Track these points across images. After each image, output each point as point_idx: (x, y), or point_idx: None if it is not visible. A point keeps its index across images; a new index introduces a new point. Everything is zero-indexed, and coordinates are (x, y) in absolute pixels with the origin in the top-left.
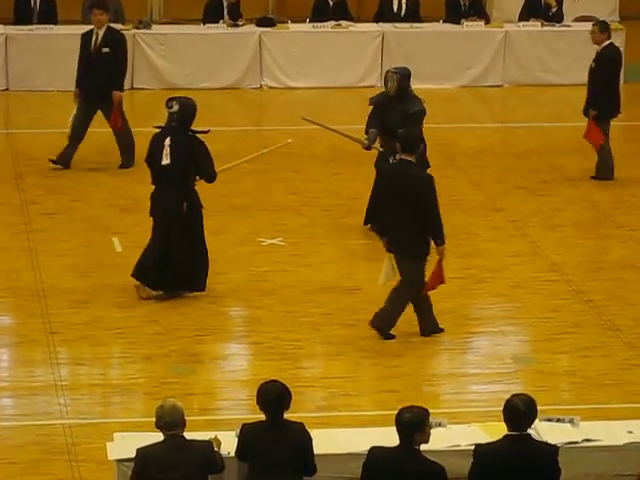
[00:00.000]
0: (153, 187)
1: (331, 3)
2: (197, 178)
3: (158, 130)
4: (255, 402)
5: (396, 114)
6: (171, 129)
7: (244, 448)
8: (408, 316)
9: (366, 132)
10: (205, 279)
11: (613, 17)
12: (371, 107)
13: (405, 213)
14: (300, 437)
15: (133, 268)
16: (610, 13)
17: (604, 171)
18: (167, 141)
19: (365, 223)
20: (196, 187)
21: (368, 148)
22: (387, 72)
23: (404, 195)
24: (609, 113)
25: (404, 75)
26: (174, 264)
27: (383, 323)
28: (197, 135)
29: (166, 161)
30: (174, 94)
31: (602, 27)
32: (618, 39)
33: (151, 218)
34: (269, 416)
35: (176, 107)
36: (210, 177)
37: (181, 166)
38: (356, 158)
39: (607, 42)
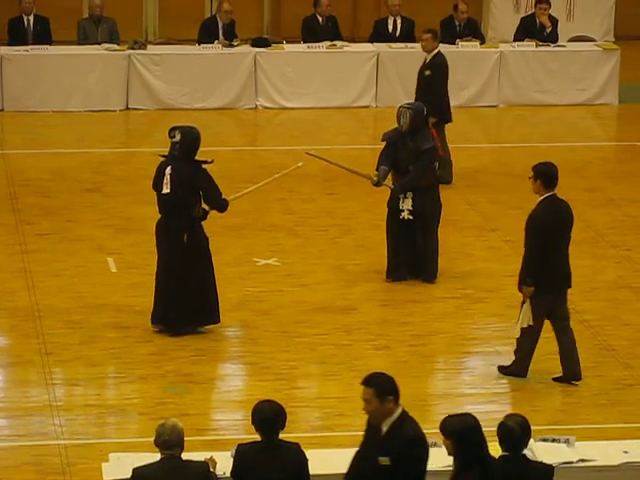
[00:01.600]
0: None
1: (320, 19)
2: (207, 209)
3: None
4: (250, 422)
5: (408, 151)
6: (173, 158)
7: (239, 469)
8: (402, 335)
9: (377, 169)
10: (217, 310)
11: (608, 37)
12: (384, 143)
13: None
14: (296, 458)
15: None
16: (605, 33)
17: (444, 176)
18: (168, 170)
19: (392, 279)
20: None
21: (377, 184)
22: (400, 107)
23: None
24: (445, 119)
25: (418, 111)
26: (178, 298)
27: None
28: (202, 165)
29: (166, 190)
30: (169, 114)
31: (435, 35)
32: (613, 59)
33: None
34: (264, 436)
35: (178, 137)
36: (220, 207)
37: (181, 196)
38: (350, 178)
39: (436, 50)
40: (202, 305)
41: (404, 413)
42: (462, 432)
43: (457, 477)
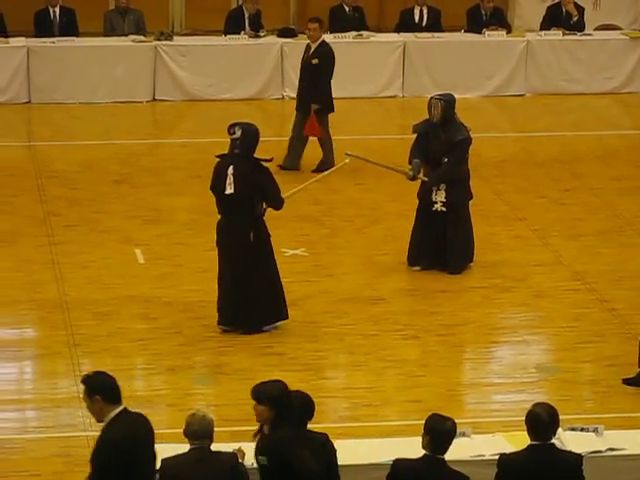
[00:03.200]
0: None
1: (347, 9)
2: (264, 206)
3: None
4: None
5: (440, 142)
6: (234, 157)
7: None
8: (430, 325)
9: (410, 162)
10: (285, 306)
11: (635, 26)
12: (415, 135)
13: None
14: (325, 448)
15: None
16: (632, 22)
17: (326, 163)
18: (230, 170)
19: (410, 264)
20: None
21: (413, 178)
22: (431, 99)
23: None
24: (329, 107)
25: (449, 102)
26: (248, 297)
27: None
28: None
29: (230, 190)
30: (196, 105)
31: (321, 24)
32: (638, 49)
33: (213, 247)
34: (293, 426)
35: (239, 133)
36: (277, 205)
37: (246, 195)
38: (378, 168)
39: (321, 39)
40: (271, 302)
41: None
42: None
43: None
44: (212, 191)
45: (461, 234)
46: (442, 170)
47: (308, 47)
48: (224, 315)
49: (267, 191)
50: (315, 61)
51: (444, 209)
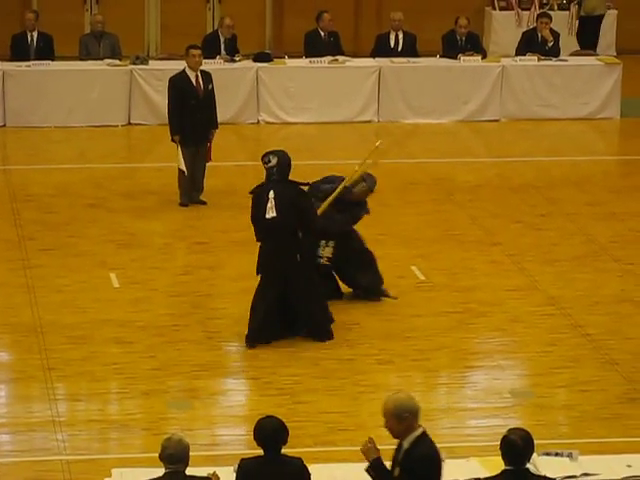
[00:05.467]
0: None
1: (322, 34)
2: None
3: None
4: (252, 438)
5: None
6: (273, 183)
7: None
8: (405, 349)
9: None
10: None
11: (610, 51)
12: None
13: None
14: (299, 472)
15: (247, 334)
16: (607, 47)
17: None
18: (271, 194)
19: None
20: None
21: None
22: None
23: None
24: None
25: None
26: (310, 316)
27: None
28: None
29: (272, 214)
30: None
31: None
32: (615, 73)
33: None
34: (267, 451)
35: (274, 161)
36: (316, 227)
37: (289, 218)
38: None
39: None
40: (324, 320)
41: None
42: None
43: None
44: (253, 221)
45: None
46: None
47: (197, 75)
48: (262, 335)
49: (307, 213)
50: (211, 87)
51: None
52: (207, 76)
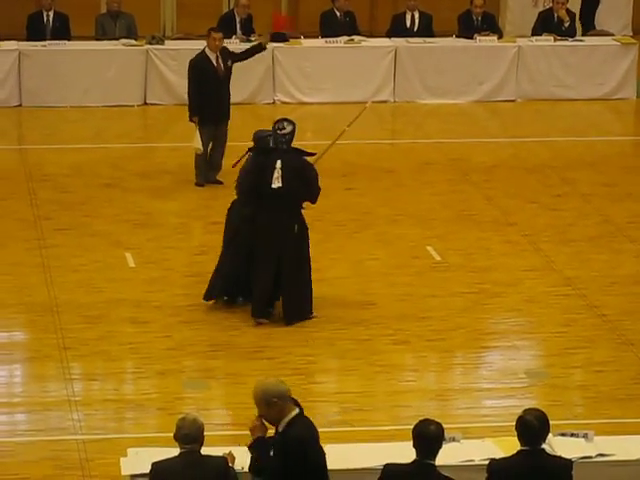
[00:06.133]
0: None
1: (338, 14)
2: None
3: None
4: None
5: None
6: (280, 151)
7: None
8: (420, 330)
9: None
10: (311, 304)
11: (626, 31)
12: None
13: None
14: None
15: (252, 308)
16: (623, 27)
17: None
18: (278, 163)
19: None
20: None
21: None
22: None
23: None
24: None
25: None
26: (288, 293)
27: None
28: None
29: (278, 184)
30: (187, 109)
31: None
32: (631, 53)
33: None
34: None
35: (289, 128)
36: (316, 199)
37: (294, 189)
38: (369, 173)
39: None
40: (306, 298)
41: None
42: None
43: None
44: (251, 189)
45: None
46: None
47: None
48: (259, 308)
49: (310, 184)
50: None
51: None
52: (225, 53)
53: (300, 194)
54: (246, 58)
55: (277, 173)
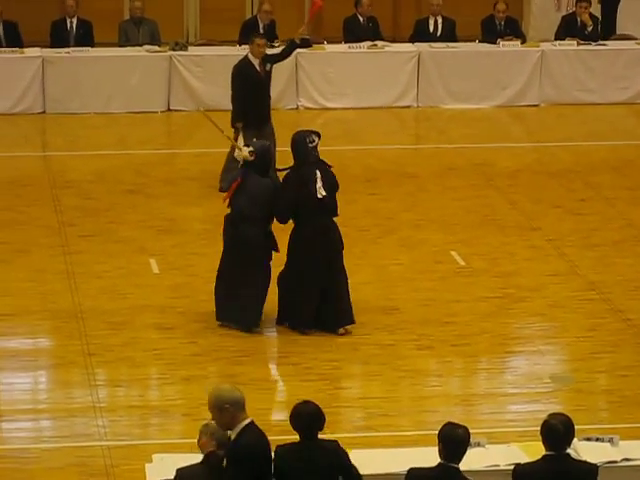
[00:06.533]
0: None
1: (361, 20)
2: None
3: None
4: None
5: None
6: (316, 163)
7: (279, 470)
8: (445, 335)
9: None
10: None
11: None
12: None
13: None
14: (334, 455)
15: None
16: None
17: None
18: (318, 174)
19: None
20: None
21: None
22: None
23: None
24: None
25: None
26: (340, 300)
27: None
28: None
29: (322, 193)
30: (210, 116)
31: None
32: None
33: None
34: (303, 437)
35: (317, 140)
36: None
37: (333, 197)
38: (392, 178)
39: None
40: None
41: None
42: None
43: None
44: (293, 201)
45: None
46: None
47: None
48: (309, 319)
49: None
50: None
51: None
52: (265, 57)
53: (336, 203)
54: (286, 57)
55: (320, 183)
